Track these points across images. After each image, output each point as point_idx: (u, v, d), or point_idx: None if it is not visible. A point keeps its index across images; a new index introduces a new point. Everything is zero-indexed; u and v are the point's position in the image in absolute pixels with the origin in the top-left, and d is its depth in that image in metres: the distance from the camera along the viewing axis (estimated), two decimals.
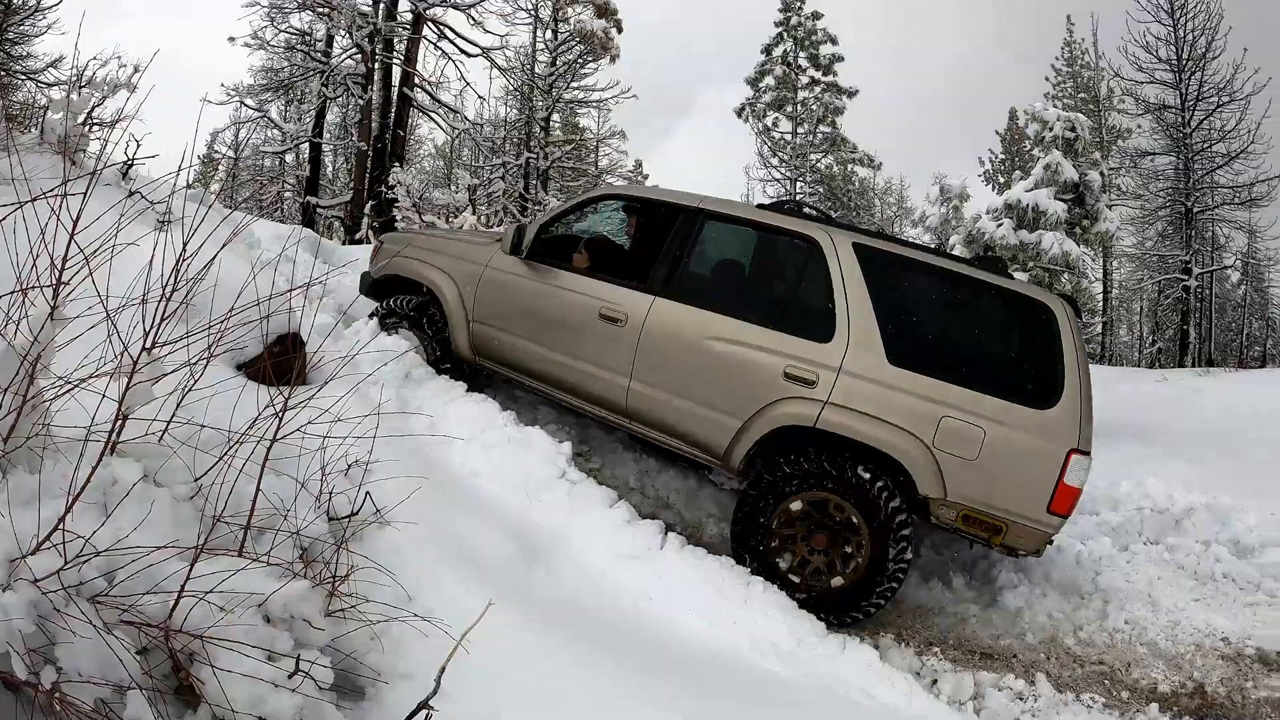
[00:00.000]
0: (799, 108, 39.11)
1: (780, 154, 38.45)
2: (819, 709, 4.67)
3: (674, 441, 6.77)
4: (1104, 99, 39.01)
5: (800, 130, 39.05)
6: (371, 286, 8.31)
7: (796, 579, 6.12)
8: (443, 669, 3.14)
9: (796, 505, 6.13)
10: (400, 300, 7.94)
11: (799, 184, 38.44)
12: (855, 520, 6.03)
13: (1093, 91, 40.13)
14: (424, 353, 7.69)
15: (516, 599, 4.53)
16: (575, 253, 7.51)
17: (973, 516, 5.90)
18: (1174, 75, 31.67)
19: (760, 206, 7.35)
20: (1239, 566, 8.23)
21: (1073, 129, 15.31)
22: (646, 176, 55.02)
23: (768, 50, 39.40)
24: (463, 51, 29.66)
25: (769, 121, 39.17)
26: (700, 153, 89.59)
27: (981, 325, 6.51)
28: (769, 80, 39.03)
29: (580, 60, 34.65)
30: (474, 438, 6.15)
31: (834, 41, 38.70)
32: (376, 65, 28.80)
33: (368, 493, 4.36)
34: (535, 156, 34.86)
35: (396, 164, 27.37)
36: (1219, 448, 13.32)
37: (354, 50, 29.12)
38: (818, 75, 38.68)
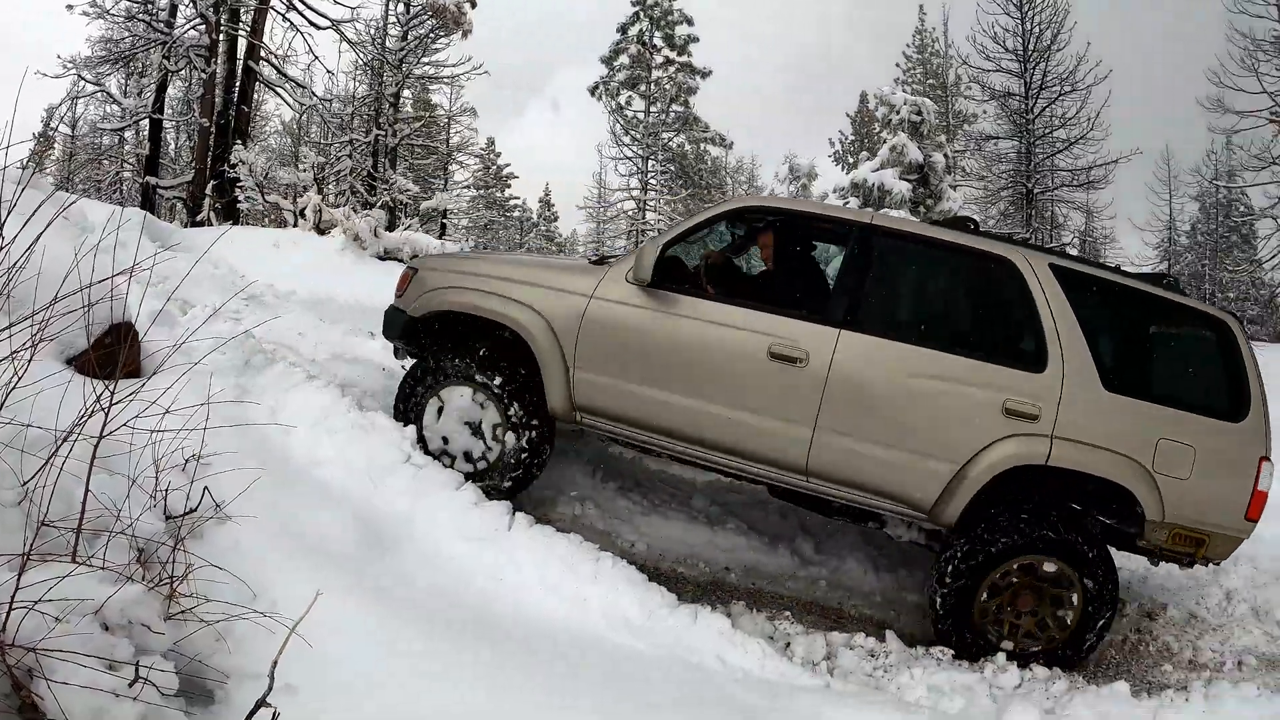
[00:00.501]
0: (652, 87, 39.38)
1: (633, 132, 38.63)
2: (673, 679, 4.62)
3: (863, 496, 5.89)
4: (952, 85, 40.60)
5: (653, 109, 39.37)
6: (407, 329, 6.60)
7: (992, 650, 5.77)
8: (275, 663, 3.02)
9: (1007, 566, 5.74)
10: (464, 348, 6.30)
11: (650, 162, 38.62)
12: (1070, 575, 5.72)
13: (941, 78, 41.69)
14: (499, 416, 6.23)
15: (363, 588, 4.39)
16: (713, 276, 6.44)
17: (1181, 534, 5.75)
18: (1019, 65, 33.27)
19: (935, 224, 6.71)
20: None
21: (919, 113, 15.75)
22: (499, 154, 54.78)
23: (623, 29, 39.42)
24: (312, 24, 28.48)
25: (622, 100, 39.33)
26: (555, 131, 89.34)
27: (1178, 345, 6.34)
28: (623, 59, 39.11)
29: (432, 35, 33.91)
30: (317, 424, 5.88)
31: (690, 22, 39.07)
32: (221, 37, 27.53)
33: (205, 488, 4.10)
34: (384, 134, 34.03)
35: (239, 142, 26.38)
36: None
37: (198, 20, 27.49)
38: (672, 55, 38.92)
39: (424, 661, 4.02)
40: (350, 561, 4.70)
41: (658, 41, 38.84)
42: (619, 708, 4.21)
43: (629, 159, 38.78)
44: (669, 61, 39.12)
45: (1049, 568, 5.68)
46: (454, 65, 34.72)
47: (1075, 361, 5.64)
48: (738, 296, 6.09)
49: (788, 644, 5.70)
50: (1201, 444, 5.60)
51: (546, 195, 61.90)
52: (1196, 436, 5.61)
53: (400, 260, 11.48)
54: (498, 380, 6.15)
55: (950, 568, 5.70)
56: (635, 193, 38.15)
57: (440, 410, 6.27)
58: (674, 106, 39.23)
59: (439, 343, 6.46)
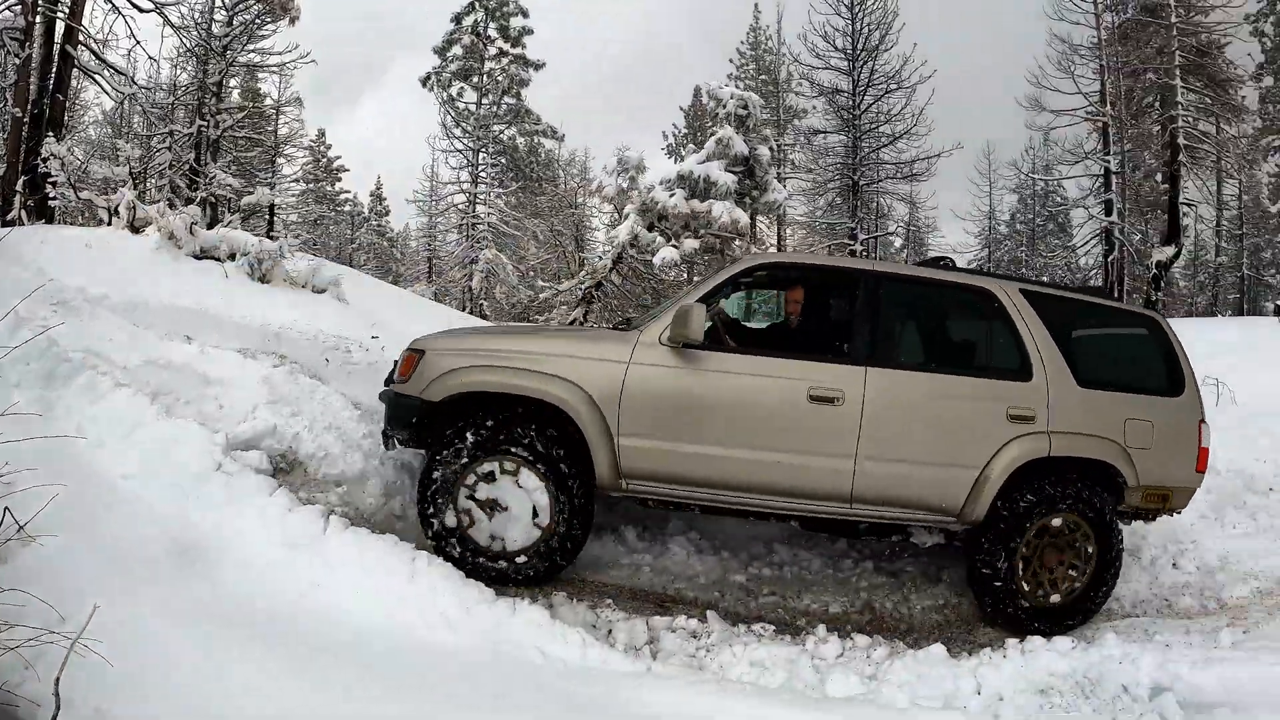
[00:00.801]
0: (485, 78, 38.66)
1: (464, 124, 37.99)
2: (493, 674, 4.60)
3: (902, 513, 6.47)
4: (784, 82, 41.54)
5: (485, 101, 38.67)
6: (422, 413, 6.30)
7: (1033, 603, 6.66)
8: (58, 680, 2.93)
9: (1032, 536, 6.62)
10: (501, 428, 6.16)
11: (481, 155, 38.15)
12: (1086, 534, 6.69)
13: (774, 74, 42.62)
14: (545, 496, 6.15)
15: (178, 601, 4.30)
16: (732, 331, 6.98)
17: (1151, 493, 6.86)
18: (848, 63, 34.46)
19: (920, 263, 7.88)
20: None
21: (745, 107, 16.03)
22: (329, 147, 53.45)
23: (458, 19, 38.57)
24: (135, 5, 27.13)
25: (454, 91, 38.44)
26: (390, 123, 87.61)
27: (1123, 341, 7.35)
28: (457, 50, 38.28)
29: (258, 21, 32.41)
30: (125, 437, 5.74)
31: (525, 14, 38.60)
32: (38, 19, 26.07)
33: (5, 508, 3.91)
34: (207, 125, 32.67)
35: (52, 134, 24.95)
36: None
37: (14, 0, 26.04)
38: (506, 47, 38.23)
39: (240, 671, 3.94)
40: (164, 575, 4.58)
41: (492, 32, 38.17)
42: (439, 709, 4.19)
43: (459, 152, 38.13)
44: (503, 53, 38.44)
45: (1071, 530, 6.72)
46: (281, 53, 33.36)
47: (1053, 367, 6.61)
48: (766, 348, 6.76)
49: (610, 631, 5.78)
50: (1156, 419, 6.79)
51: (378, 189, 60.74)
52: (1151, 413, 6.80)
53: (217, 259, 11.10)
54: (541, 458, 6.10)
55: (991, 546, 6.53)
56: (466, 186, 37.54)
57: (475, 490, 6.19)
58: (506, 99, 38.64)
59: (466, 425, 6.18)
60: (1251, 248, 44.70)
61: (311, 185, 52.19)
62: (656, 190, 15.23)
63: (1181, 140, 31.44)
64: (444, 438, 6.16)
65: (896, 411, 6.32)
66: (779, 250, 41.70)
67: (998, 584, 6.54)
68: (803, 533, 7.52)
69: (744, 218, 15.30)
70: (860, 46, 34.37)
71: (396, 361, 6.85)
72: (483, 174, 37.91)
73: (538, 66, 38.73)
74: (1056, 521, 6.62)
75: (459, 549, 6.06)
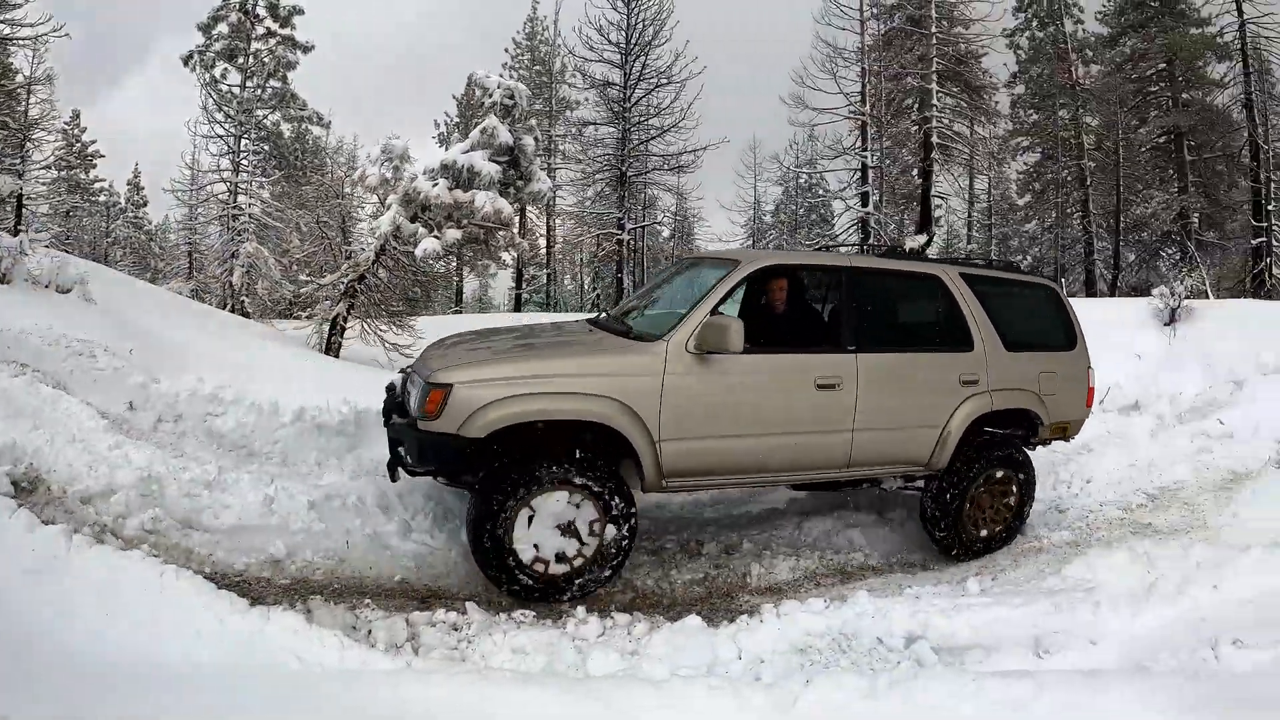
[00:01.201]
0: (251, 59, 36.37)
1: (226, 108, 35.87)
2: (249, 686, 4.39)
3: (882, 469, 7.73)
4: (558, 73, 41.60)
5: (250, 83, 36.50)
6: (467, 449, 6.12)
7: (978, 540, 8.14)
8: None
9: (982, 481, 8.08)
10: (560, 454, 6.30)
11: (244, 141, 36.26)
12: (1013, 480, 8.22)
13: (548, 65, 42.59)
14: (596, 512, 6.40)
15: None
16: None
17: (1056, 427, 8.52)
18: (621, 57, 34.75)
19: (880, 254, 9.40)
20: None
21: (512, 97, 15.87)
22: (84, 130, 50.35)
23: None
24: None
25: (218, 72, 35.79)
26: (150, 106, 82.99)
27: (1034, 308, 8.69)
28: (222, 27, 35.49)
29: None
30: None
31: None
32: None
33: None
34: None
35: None
36: None
37: None
38: (275, 26, 35.96)
39: None
40: None
41: (260, 10, 35.88)
42: None
43: (221, 137, 36.01)
44: (270, 33, 36.32)
45: (1000, 475, 8.15)
46: (34, 25, 30.37)
47: (988, 337, 7.96)
48: (772, 346, 7.10)
49: (369, 631, 5.61)
50: (1059, 369, 8.42)
51: (136, 178, 57.14)
52: (1055, 366, 8.41)
53: None
54: (595, 477, 6.32)
55: (945, 495, 7.84)
56: (227, 174, 35.55)
57: (531, 519, 6.26)
58: (272, 82, 36.65)
59: (513, 456, 6.25)
60: (1000, 237, 47.82)
61: (64, 173, 48.54)
62: (419, 180, 14.89)
63: (935, 139, 33.56)
64: (492, 471, 6.22)
65: (882, 389, 7.33)
66: (548, 240, 42.14)
67: (946, 522, 7.92)
68: None
69: (507, 208, 15.16)
70: (634, 41, 35.02)
71: (398, 392, 7.15)
72: (245, 162, 36.04)
73: (307, 49, 36.78)
74: (999, 474, 8.12)
75: (529, 579, 6.28)
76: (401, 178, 14.98)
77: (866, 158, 33.00)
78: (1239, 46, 34.89)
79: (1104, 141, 37.91)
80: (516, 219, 19.37)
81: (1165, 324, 16.00)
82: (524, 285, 44.52)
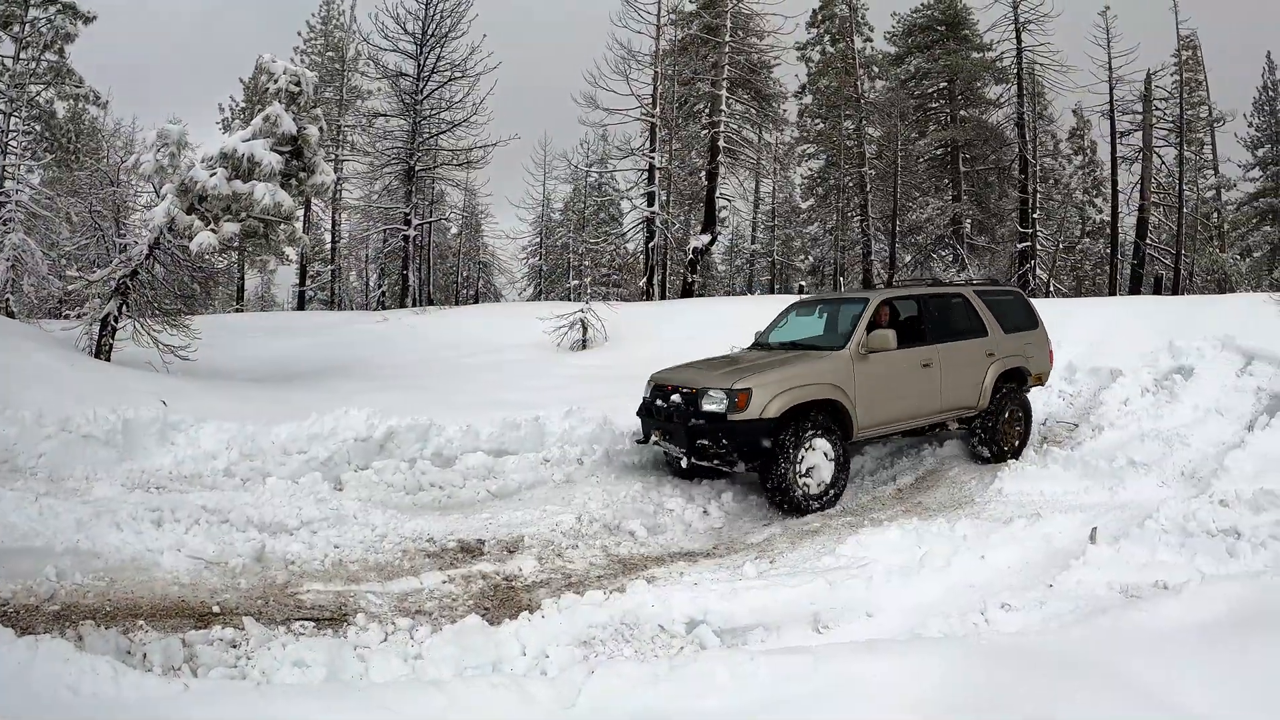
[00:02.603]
0: (28, 28, 33.37)
1: None
2: None
3: (954, 413, 11.27)
4: (350, 60, 40.46)
5: (24, 55, 33.54)
6: (771, 423, 9.12)
7: (1008, 451, 11.49)
8: None
9: (1007, 414, 11.64)
10: (812, 418, 9.45)
11: (14, 120, 33.31)
12: (1021, 412, 11.91)
13: (341, 52, 41.40)
14: (832, 451, 9.56)
15: None
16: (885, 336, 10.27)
17: (1035, 378, 12.30)
18: (416, 48, 34.00)
19: (930, 284, 13.50)
20: (443, 475, 9.45)
21: (298, 83, 15.26)
22: None
23: None
24: None
25: None
26: None
27: (1013, 305, 12.62)
28: None
29: None
30: None
31: None
32: None
33: None
34: None
35: None
36: (427, 374, 14.50)
37: None
38: None
39: None
40: None
41: None
42: None
43: None
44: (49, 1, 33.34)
45: (1013, 410, 11.76)
46: None
47: (994, 327, 11.73)
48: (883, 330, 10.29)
49: (145, 654, 5.27)
50: (1033, 341, 12.29)
51: None
52: (1030, 339, 12.26)
53: None
54: (833, 433, 9.61)
55: (989, 424, 11.36)
56: None
57: (804, 458, 9.34)
58: (48, 54, 33.88)
59: (795, 424, 9.28)
60: (784, 237, 49.22)
61: None
62: (197, 169, 14.07)
63: (723, 144, 34.30)
64: (782, 429, 9.19)
65: (951, 365, 11.03)
66: (333, 235, 41.10)
67: (992, 441, 11.32)
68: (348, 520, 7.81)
69: (288, 200, 14.49)
70: (430, 32, 34.26)
71: (667, 393, 9.83)
72: (14, 143, 33.47)
73: (88, 19, 33.96)
74: (1014, 409, 11.74)
75: (799, 492, 9.26)
76: (179, 166, 14.16)
77: (654, 159, 33.39)
78: (1015, 71, 37.89)
79: (885, 151, 39.88)
80: (301, 212, 18.74)
81: None
82: (308, 282, 43.24)
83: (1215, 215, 41.72)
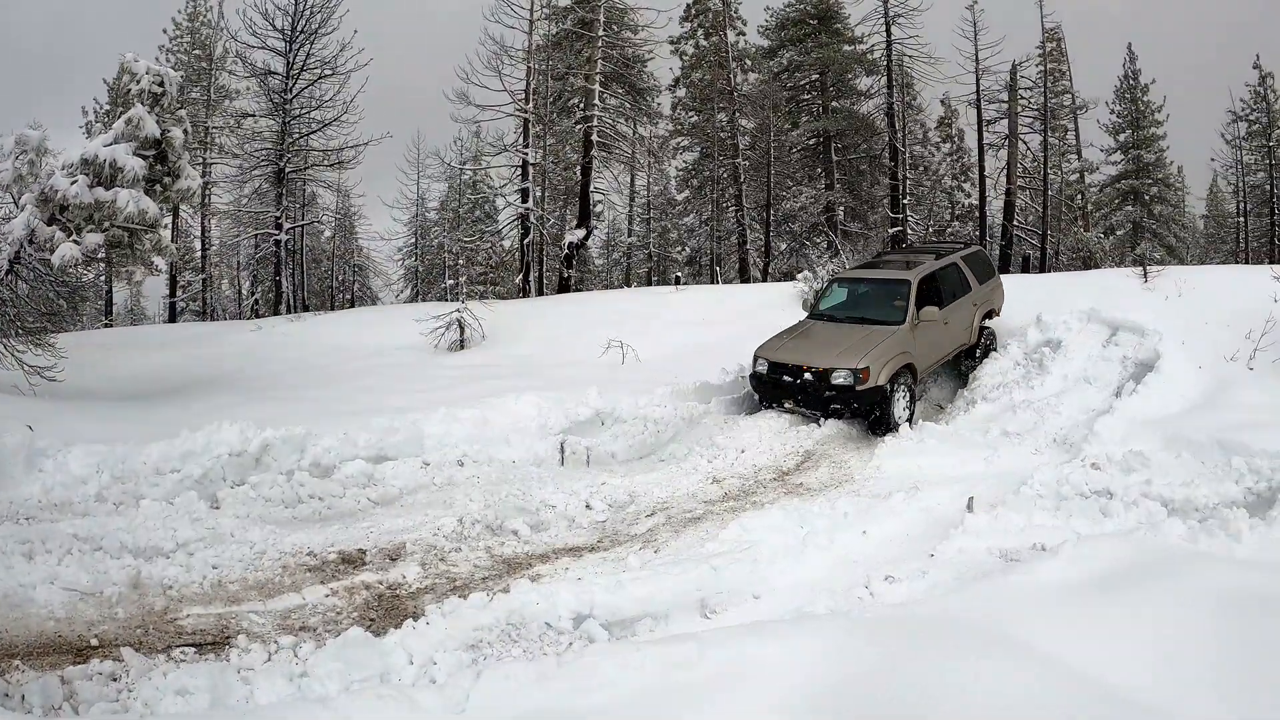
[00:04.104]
0: None
1: None
2: None
3: (960, 348, 14.31)
4: (218, 59, 39.25)
5: None
6: (882, 390, 11.96)
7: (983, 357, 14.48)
8: None
9: (983, 339, 14.75)
10: (900, 375, 12.30)
11: None
12: (991, 335, 14.86)
13: (209, 50, 40.12)
14: (908, 390, 12.58)
15: None
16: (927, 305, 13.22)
17: (993, 313, 15.08)
18: (286, 44, 32.97)
19: (937, 255, 14.76)
20: (322, 485, 9.07)
21: (161, 84, 14.70)
22: None
23: None
24: None
25: None
26: None
27: (981, 261, 15.48)
28: None
29: None
30: None
31: None
32: None
33: None
34: None
35: None
36: (303, 383, 14.19)
37: None
38: None
39: None
40: None
41: None
42: None
43: None
44: None
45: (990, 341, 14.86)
46: None
47: (975, 282, 14.61)
48: (927, 306, 13.07)
49: (23, 696, 5.00)
50: (996, 287, 15.42)
51: None
52: (992, 285, 15.27)
53: None
54: (912, 380, 12.72)
55: (976, 351, 14.51)
56: None
57: (897, 399, 12.16)
58: None
59: (895, 382, 12.16)
60: (660, 229, 49.43)
61: None
62: (58, 177, 13.39)
63: (596, 138, 34.23)
64: (887, 390, 11.92)
65: (956, 315, 13.92)
66: (203, 242, 40.01)
67: (973, 363, 14.34)
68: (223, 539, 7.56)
69: (153, 207, 13.84)
70: (300, 28, 33.25)
71: (791, 369, 12.24)
72: None
73: None
74: (989, 340, 14.77)
75: (896, 422, 11.97)
76: (39, 174, 13.49)
77: (528, 155, 33.19)
78: (886, 63, 38.74)
79: (758, 142, 40.19)
80: (168, 220, 18.12)
81: (809, 304, 17.16)
82: (179, 292, 41.96)
83: (1079, 197, 43.21)
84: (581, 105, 34.97)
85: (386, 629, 5.96)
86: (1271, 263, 30.97)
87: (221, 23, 39.12)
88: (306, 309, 35.83)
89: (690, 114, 42.23)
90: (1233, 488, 8.39)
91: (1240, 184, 46.76)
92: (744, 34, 41.88)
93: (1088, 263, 37.01)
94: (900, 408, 12.28)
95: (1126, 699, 4.32)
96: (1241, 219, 47.31)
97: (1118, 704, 4.28)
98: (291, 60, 33.16)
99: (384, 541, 7.89)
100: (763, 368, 12.64)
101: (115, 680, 5.27)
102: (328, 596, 6.74)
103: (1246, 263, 40.04)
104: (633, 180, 46.46)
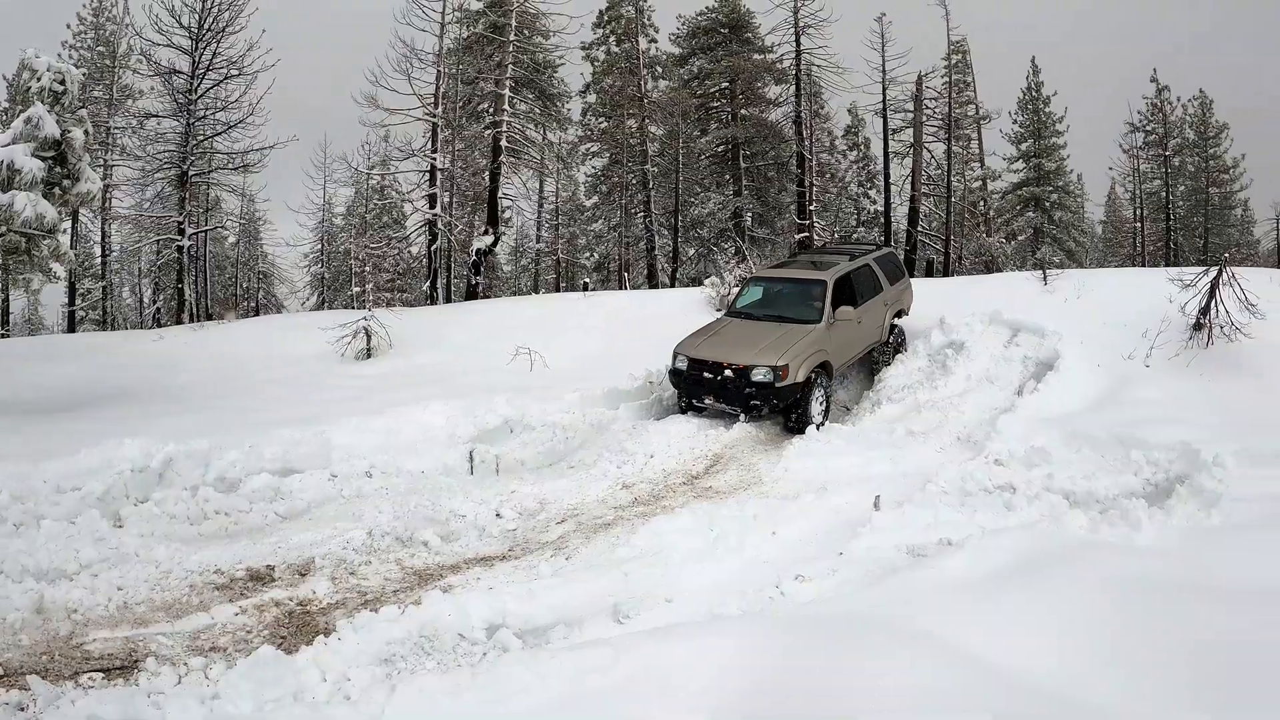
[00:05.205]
0: None
1: None
2: None
3: (872, 345, 14.85)
4: (122, 56, 38.15)
5: None
6: (799, 386, 12.35)
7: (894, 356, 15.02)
8: None
9: (893, 338, 15.40)
10: (816, 373, 12.64)
11: None
12: (901, 334, 15.48)
13: (113, 47, 39.04)
14: (823, 389, 12.93)
15: None
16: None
17: (902, 311, 15.74)
18: (192, 43, 32.05)
19: (851, 256, 15.30)
20: (228, 500, 8.84)
21: (62, 81, 14.24)
22: None
23: None
24: None
25: None
26: None
27: (892, 262, 16.19)
28: None
29: None
30: None
31: None
32: None
33: None
34: None
35: None
36: (207, 394, 13.91)
37: None
38: None
39: None
40: None
41: None
42: None
43: None
44: None
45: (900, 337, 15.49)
46: None
47: (886, 283, 15.13)
48: (842, 305, 13.52)
49: None
50: (906, 287, 16.14)
51: None
52: (901, 286, 15.89)
53: None
54: (827, 379, 13.05)
55: (887, 348, 15.11)
56: None
57: (813, 398, 12.52)
58: None
59: (812, 379, 12.55)
60: (568, 235, 49.41)
61: None
62: None
63: (504, 143, 34.03)
64: (805, 387, 12.31)
65: (870, 315, 14.35)
66: (103, 248, 38.96)
67: (886, 359, 14.89)
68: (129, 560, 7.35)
69: (51, 212, 13.29)
70: (207, 26, 32.35)
71: (712, 367, 12.41)
72: None
73: None
74: (899, 337, 15.39)
75: (813, 423, 12.14)
76: None
77: (436, 160, 32.90)
78: (795, 72, 39.16)
79: (667, 149, 40.59)
80: (68, 224, 17.60)
81: (717, 310, 17.50)
82: (78, 300, 40.77)
83: (982, 203, 44.45)
84: (491, 110, 34.79)
85: (298, 646, 5.83)
86: (1167, 265, 32.27)
87: (127, 18, 37.74)
88: (210, 318, 35.06)
89: (600, 120, 42.36)
90: (1132, 479, 8.79)
91: (1137, 191, 48.79)
92: (655, 41, 42.18)
93: (990, 266, 38.06)
94: (817, 404, 12.56)
95: (1031, 685, 4.46)
96: (1138, 224, 49.40)
97: (1022, 690, 4.42)
98: (197, 59, 32.18)
99: (293, 557, 7.74)
100: (682, 364, 12.78)
101: (23, 710, 5.13)
102: (237, 615, 6.58)
103: (1143, 266, 42.07)
104: (541, 186, 46.46)
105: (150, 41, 32.04)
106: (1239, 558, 6.04)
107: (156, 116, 33.82)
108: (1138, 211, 49.24)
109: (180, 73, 32.29)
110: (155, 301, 41.49)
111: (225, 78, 32.49)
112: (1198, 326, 12.83)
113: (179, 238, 32.31)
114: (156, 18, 31.44)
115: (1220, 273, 12.82)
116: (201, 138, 32.75)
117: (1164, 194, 46.62)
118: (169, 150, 32.86)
